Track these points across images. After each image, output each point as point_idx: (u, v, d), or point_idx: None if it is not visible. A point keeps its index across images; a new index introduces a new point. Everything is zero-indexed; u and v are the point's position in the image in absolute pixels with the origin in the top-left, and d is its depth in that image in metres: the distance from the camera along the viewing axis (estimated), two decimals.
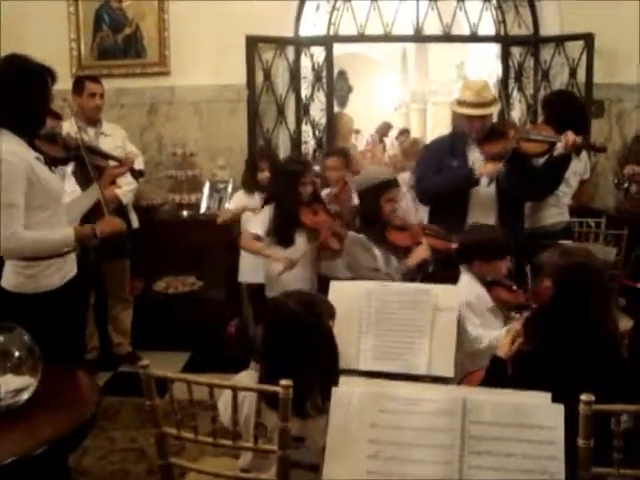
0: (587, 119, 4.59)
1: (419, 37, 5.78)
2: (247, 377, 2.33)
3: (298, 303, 2.29)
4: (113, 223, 3.06)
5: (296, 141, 5.56)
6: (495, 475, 1.71)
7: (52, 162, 2.94)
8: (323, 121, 5.64)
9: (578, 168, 4.26)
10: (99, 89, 4.61)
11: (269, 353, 2.27)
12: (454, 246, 3.43)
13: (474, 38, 5.80)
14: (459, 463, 1.73)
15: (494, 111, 4.01)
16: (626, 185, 3.79)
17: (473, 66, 10.58)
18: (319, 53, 5.52)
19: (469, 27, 5.59)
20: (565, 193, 4.24)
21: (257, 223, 3.96)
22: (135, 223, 4.79)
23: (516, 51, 5.58)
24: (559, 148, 3.72)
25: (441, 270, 3.63)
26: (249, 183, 4.56)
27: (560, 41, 5.30)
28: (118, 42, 5.43)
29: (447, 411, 1.77)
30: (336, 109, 6.53)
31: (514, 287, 3.27)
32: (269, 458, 2.10)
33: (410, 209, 4.89)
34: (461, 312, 2.88)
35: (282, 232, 3.84)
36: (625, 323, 3.82)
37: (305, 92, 5.58)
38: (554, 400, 1.75)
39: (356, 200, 4.46)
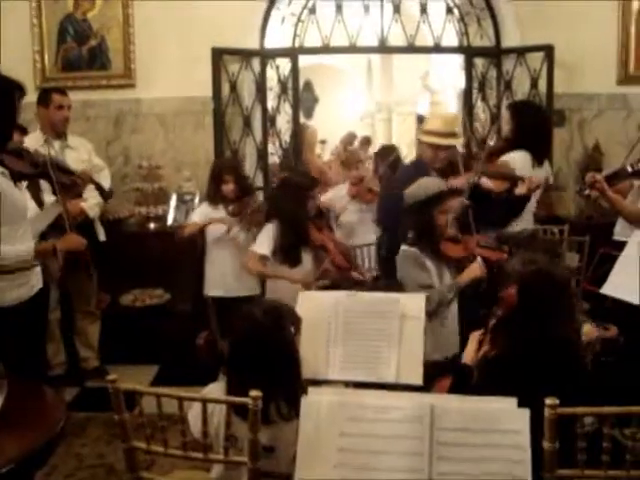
0: (551, 130, 4.68)
1: (384, 48, 5.86)
2: (216, 389, 2.33)
3: (263, 312, 2.32)
4: (72, 240, 3.05)
5: (262, 152, 5.57)
6: None
7: (17, 177, 2.91)
8: (289, 132, 5.66)
9: (542, 175, 4.33)
10: (66, 101, 4.57)
11: (234, 362, 2.28)
12: (506, 256, 3.38)
13: (438, 49, 5.88)
14: (428, 470, 1.74)
15: (461, 143, 4.09)
16: (587, 192, 3.87)
17: (437, 77, 10.72)
18: (285, 65, 5.55)
19: (432, 38, 5.67)
20: (531, 201, 4.29)
21: (262, 242, 3.75)
22: (102, 236, 4.74)
23: (479, 62, 5.67)
24: (520, 188, 3.80)
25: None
26: (214, 195, 4.37)
27: (521, 52, 5.41)
28: (83, 54, 5.39)
29: (415, 418, 1.79)
30: (302, 120, 6.58)
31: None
32: (240, 469, 2.10)
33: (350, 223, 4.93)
34: None
35: (289, 251, 3.68)
36: (589, 328, 3.90)
37: (271, 103, 5.60)
38: (518, 405, 1.78)
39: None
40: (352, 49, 5.74)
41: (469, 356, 2.48)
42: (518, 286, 2.38)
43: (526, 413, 1.74)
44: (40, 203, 3.50)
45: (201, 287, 4.48)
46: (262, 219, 4.11)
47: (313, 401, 1.86)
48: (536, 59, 5.33)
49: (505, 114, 4.40)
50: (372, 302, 2.78)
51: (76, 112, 4.97)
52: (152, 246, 5.02)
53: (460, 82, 6.57)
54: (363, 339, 2.70)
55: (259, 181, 5.53)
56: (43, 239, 3.21)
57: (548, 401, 1.82)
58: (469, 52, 5.66)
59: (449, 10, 5.58)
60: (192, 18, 5.24)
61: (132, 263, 4.93)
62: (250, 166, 5.53)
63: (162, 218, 5.31)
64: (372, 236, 4.76)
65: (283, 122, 5.68)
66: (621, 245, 3.71)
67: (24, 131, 4.07)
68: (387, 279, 3.73)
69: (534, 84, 5.38)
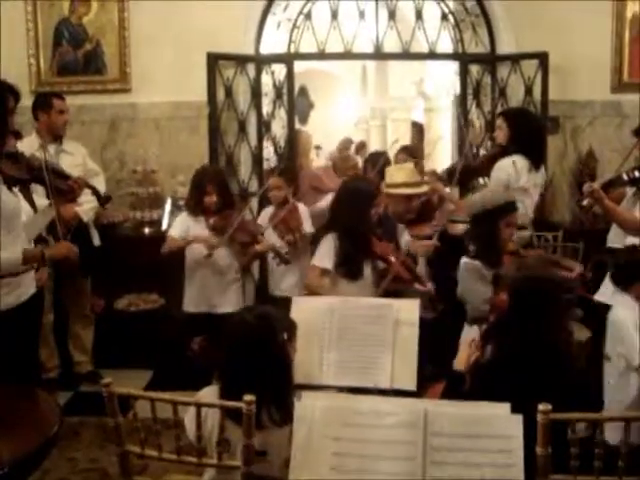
0: (545, 136, 4.70)
1: (379, 54, 5.88)
2: (210, 392, 2.33)
3: (254, 317, 2.32)
4: (63, 248, 3.04)
5: (257, 158, 5.58)
6: None
7: (12, 182, 2.91)
8: (284, 138, 5.67)
9: (538, 180, 4.35)
10: (66, 106, 4.61)
11: (227, 366, 2.29)
12: (575, 275, 3.34)
13: (433, 55, 5.91)
14: (422, 474, 1.75)
15: (427, 189, 4.12)
16: (585, 202, 3.89)
17: (432, 83, 10.76)
18: (280, 70, 5.56)
19: (427, 45, 5.69)
20: (528, 207, 4.28)
21: (323, 255, 3.50)
22: (96, 240, 4.74)
23: (474, 69, 5.69)
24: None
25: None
26: (194, 206, 4.13)
27: (516, 59, 5.44)
28: (78, 58, 5.39)
29: (409, 423, 1.79)
30: (297, 125, 6.57)
31: None
32: (232, 473, 2.10)
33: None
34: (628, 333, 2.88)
35: (352, 264, 3.45)
36: (583, 334, 3.91)
37: (266, 109, 5.61)
38: (511, 410, 1.79)
39: (308, 227, 4.35)
40: (347, 55, 5.76)
41: (461, 363, 2.48)
42: (510, 291, 2.38)
43: (519, 419, 1.75)
44: (33, 206, 3.51)
45: None
46: (247, 237, 4.06)
47: (307, 406, 1.86)
48: (530, 66, 5.36)
49: (499, 121, 4.43)
50: (366, 307, 2.79)
51: (71, 116, 4.95)
52: (147, 251, 4.98)
53: (455, 88, 6.59)
54: (357, 344, 2.71)
55: (254, 186, 5.53)
56: (43, 243, 3.21)
57: (541, 407, 1.82)
58: (464, 59, 5.69)
59: (444, 17, 5.61)
60: (188, 23, 5.25)
61: (127, 268, 4.92)
62: (245, 171, 5.54)
63: (157, 223, 5.31)
64: None
65: (278, 127, 5.69)
66: (614, 252, 3.72)
67: (18, 135, 4.07)
68: None
69: (528, 91, 5.41)
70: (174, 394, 2.10)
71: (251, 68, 5.47)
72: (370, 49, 5.73)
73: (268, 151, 5.75)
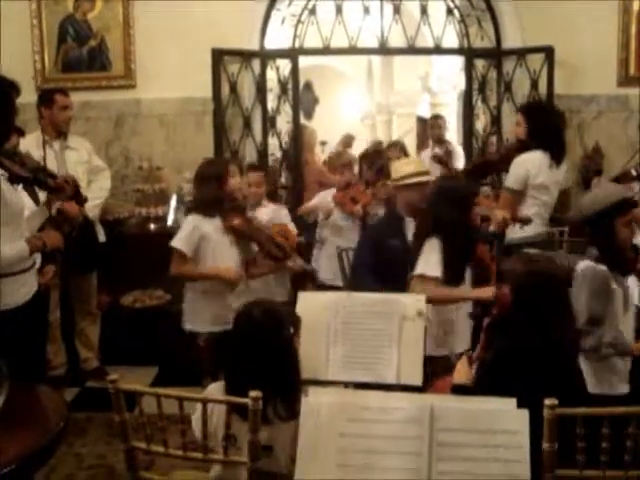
0: (564, 133, 4.50)
1: (384, 49, 5.86)
2: (217, 388, 2.33)
3: (261, 311, 2.32)
4: (55, 238, 3.05)
5: (262, 153, 5.57)
6: None
7: (15, 179, 2.91)
8: (289, 133, 5.66)
9: (559, 177, 4.27)
10: (70, 102, 4.59)
11: (233, 362, 2.29)
12: None
13: (438, 50, 5.88)
14: (428, 469, 1.75)
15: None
16: None
17: (437, 78, 10.74)
18: (285, 65, 5.55)
19: (433, 40, 5.67)
20: (547, 204, 4.20)
21: (431, 263, 3.23)
22: (102, 237, 4.74)
23: (479, 63, 5.68)
24: (492, 226, 3.76)
25: None
26: (211, 202, 3.62)
27: (522, 54, 5.41)
28: (83, 54, 5.39)
29: (415, 419, 1.79)
30: (302, 121, 6.56)
31: None
32: (238, 468, 2.11)
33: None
34: None
35: (457, 268, 3.26)
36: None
37: (271, 104, 5.61)
38: (517, 405, 1.78)
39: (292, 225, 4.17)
40: (352, 50, 5.74)
41: (461, 376, 2.40)
42: (515, 286, 2.35)
43: (525, 414, 1.75)
44: (36, 201, 3.52)
45: None
46: (280, 253, 3.74)
47: (313, 402, 1.86)
48: (536, 60, 5.33)
49: (518, 116, 4.34)
50: (372, 302, 2.78)
51: (76, 113, 4.96)
52: (152, 247, 4.98)
53: (460, 83, 6.58)
54: (363, 339, 2.71)
55: None
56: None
57: (547, 401, 1.82)
58: (469, 53, 5.66)
59: (449, 11, 5.58)
60: (192, 19, 5.24)
61: (132, 264, 4.92)
62: None
63: (162, 219, 5.31)
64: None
65: (283, 123, 5.69)
66: None
67: (21, 132, 4.07)
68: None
69: (534, 85, 5.38)
70: (180, 390, 2.10)
71: (256, 64, 5.46)
72: (375, 44, 5.72)
73: (273, 146, 5.74)
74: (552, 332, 2.24)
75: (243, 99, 5.46)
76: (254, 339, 2.27)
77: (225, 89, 5.31)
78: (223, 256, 3.66)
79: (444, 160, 5.62)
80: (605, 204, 2.95)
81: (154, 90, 5.39)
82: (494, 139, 5.69)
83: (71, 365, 4.72)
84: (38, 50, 5.35)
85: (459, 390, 2.34)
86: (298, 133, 5.66)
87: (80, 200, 3.41)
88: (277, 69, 5.54)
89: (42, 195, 3.48)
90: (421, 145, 9.48)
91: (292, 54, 5.53)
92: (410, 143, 9.85)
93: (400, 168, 3.95)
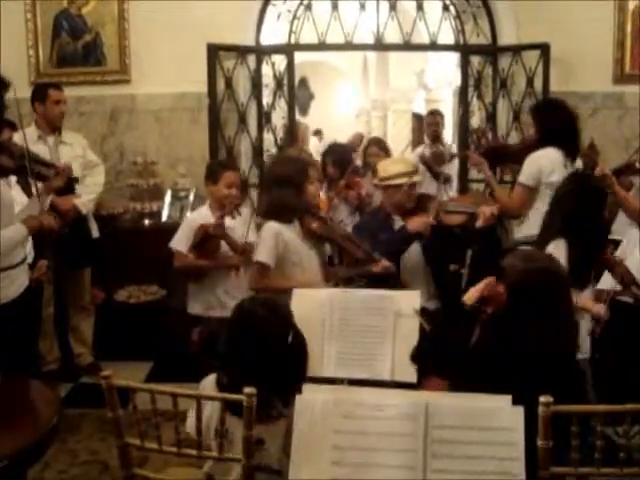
0: (577, 129, 4.29)
1: (379, 45, 5.85)
2: (212, 382, 2.32)
3: (266, 310, 2.30)
4: (49, 218, 3.04)
5: (258, 149, 5.56)
6: (458, 477, 1.73)
7: (2, 172, 2.90)
8: (284, 129, 5.65)
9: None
10: (63, 96, 4.58)
11: (235, 357, 2.27)
12: None
13: (434, 47, 5.88)
14: (422, 467, 1.75)
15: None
16: None
17: (433, 74, 10.74)
18: (280, 61, 5.53)
19: (428, 36, 5.67)
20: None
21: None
22: (95, 232, 4.73)
23: (475, 60, 5.66)
24: (479, 222, 3.74)
25: None
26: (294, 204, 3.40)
27: (517, 50, 5.40)
28: (77, 49, 5.37)
29: (410, 416, 1.79)
30: (297, 117, 6.55)
31: None
32: (232, 463, 2.10)
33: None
34: None
35: (584, 272, 3.09)
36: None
37: (266, 100, 5.59)
38: (513, 402, 1.78)
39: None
40: (348, 46, 5.73)
41: (471, 298, 2.37)
42: (514, 282, 2.32)
43: (520, 411, 1.75)
44: (30, 196, 3.50)
45: None
46: (361, 253, 3.48)
47: (308, 399, 1.86)
48: (532, 57, 5.32)
49: (531, 115, 4.30)
50: (367, 299, 2.78)
51: (70, 108, 4.95)
52: (147, 242, 4.99)
53: (456, 80, 6.57)
54: (358, 336, 2.70)
55: (254, 178, 5.52)
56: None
57: (542, 399, 1.82)
58: (465, 50, 5.66)
59: (445, 7, 5.57)
60: (187, 14, 5.21)
61: (127, 259, 4.92)
62: (245, 162, 5.52)
63: (157, 214, 5.30)
64: None
65: (278, 118, 5.68)
66: (617, 244, 3.70)
67: (14, 127, 4.05)
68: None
69: (530, 82, 5.38)
70: (174, 386, 2.09)
71: (251, 59, 5.45)
72: (371, 40, 5.71)
73: (268, 142, 5.73)
74: (550, 331, 2.22)
75: (238, 95, 5.45)
76: (263, 338, 2.25)
77: (220, 84, 5.30)
78: (310, 263, 3.48)
79: (430, 163, 5.59)
80: None
81: (149, 85, 5.37)
82: (489, 135, 5.67)
83: (65, 361, 4.71)
84: (32, 45, 5.33)
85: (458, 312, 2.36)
86: (294, 129, 5.65)
87: (71, 189, 3.38)
88: (273, 65, 5.52)
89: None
90: (416, 142, 9.44)
91: (288, 50, 5.51)
92: (403, 140, 9.85)
93: (387, 167, 3.93)
